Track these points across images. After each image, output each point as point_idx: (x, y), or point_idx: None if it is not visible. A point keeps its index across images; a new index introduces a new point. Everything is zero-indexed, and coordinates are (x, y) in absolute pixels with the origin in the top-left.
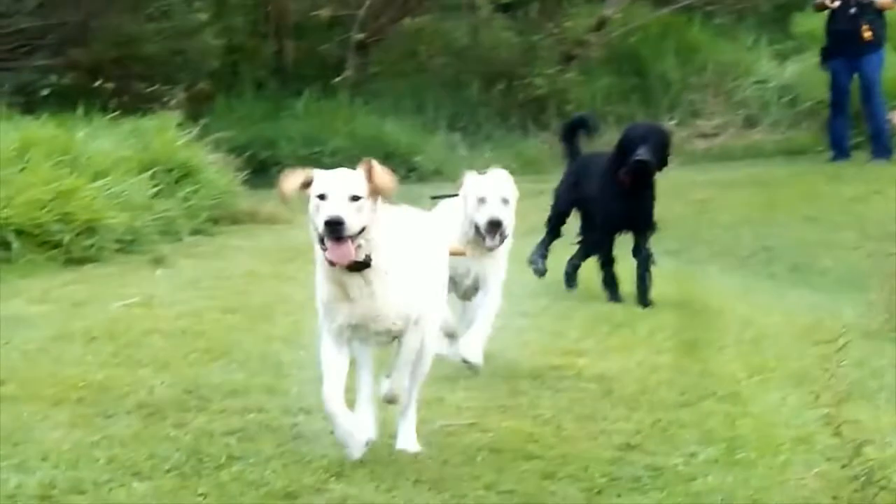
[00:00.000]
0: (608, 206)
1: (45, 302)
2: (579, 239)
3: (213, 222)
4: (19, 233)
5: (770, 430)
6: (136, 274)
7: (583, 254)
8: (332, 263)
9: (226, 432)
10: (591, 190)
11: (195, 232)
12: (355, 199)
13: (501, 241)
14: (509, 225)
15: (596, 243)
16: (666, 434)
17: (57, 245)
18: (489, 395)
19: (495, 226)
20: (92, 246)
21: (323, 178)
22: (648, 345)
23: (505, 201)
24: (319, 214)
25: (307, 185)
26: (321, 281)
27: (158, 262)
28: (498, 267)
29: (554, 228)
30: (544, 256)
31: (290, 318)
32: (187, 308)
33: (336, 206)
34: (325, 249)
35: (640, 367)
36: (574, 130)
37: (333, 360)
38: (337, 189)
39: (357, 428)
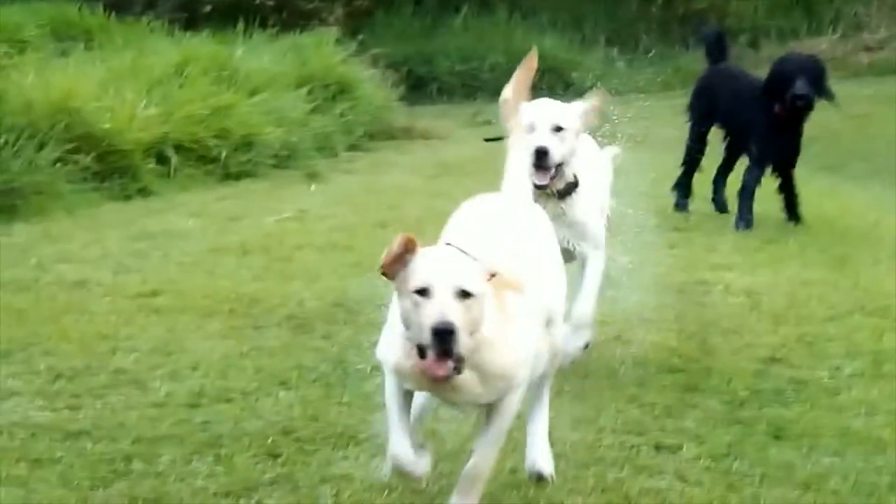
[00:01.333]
0: (764, 140)
1: (202, 216)
2: (724, 159)
3: (369, 138)
4: (177, 148)
5: None
6: (291, 189)
7: (726, 172)
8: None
9: (372, 344)
10: (737, 113)
11: (350, 147)
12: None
13: (565, 186)
14: (570, 162)
15: (750, 178)
16: (812, 348)
17: (214, 160)
18: (635, 309)
19: (542, 155)
20: (248, 161)
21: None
22: (799, 259)
23: (558, 129)
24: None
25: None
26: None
27: (313, 177)
28: (589, 227)
29: (693, 159)
30: (687, 196)
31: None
32: (339, 222)
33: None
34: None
35: (790, 282)
36: (715, 42)
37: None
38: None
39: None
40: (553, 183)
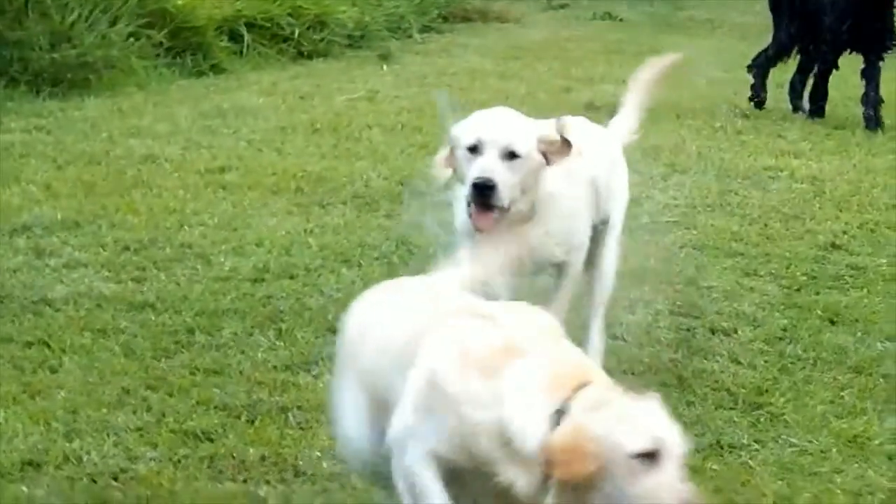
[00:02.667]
0: (837, 20)
1: (273, 94)
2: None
3: (443, 20)
4: (250, 25)
5: None
6: (363, 69)
7: (805, 69)
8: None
9: (436, 224)
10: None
11: (424, 29)
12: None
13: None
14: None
15: (821, 58)
16: (873, 235)
17: (287, 39)
18: (699, 194)
19: (485, 189)
20: (321, 40)
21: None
22: (867, 147)
23: (511, 155)
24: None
25: None
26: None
27: (385, 57)
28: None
29: (780, 50)
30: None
31: None
32: (409, 104)
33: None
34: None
35: (855, 169)
36: None
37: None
38: None
39: None
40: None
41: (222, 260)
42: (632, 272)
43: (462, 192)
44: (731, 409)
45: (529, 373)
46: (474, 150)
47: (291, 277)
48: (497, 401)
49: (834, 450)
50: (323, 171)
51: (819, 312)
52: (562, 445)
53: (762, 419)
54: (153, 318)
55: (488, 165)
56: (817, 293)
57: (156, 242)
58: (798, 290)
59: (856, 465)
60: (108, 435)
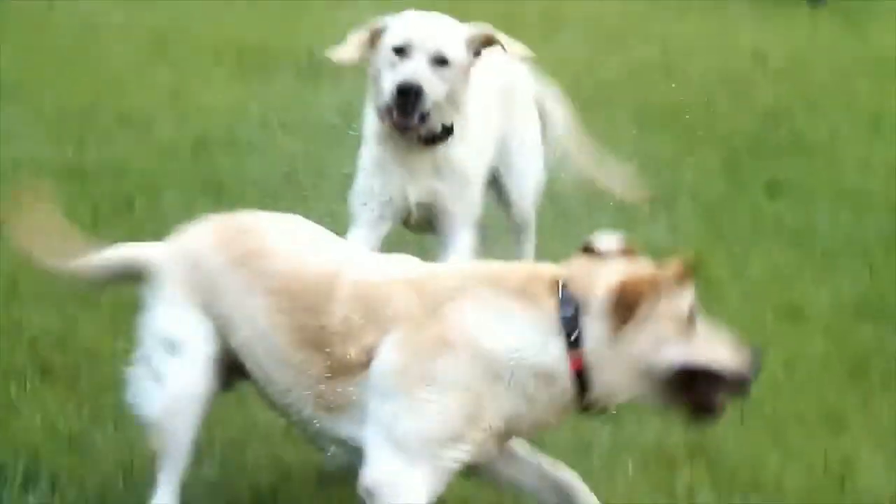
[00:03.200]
0: None
1: None
2: None
3: None
4: None
5: None
6: None
7: None
8: None
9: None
10: None
11: None
12: None
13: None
14: (449, 108)
15: None
16: (814, 106)
17: None
18: (641, 64)
19: (409, 94)
20: None
21: None
22: (810, 21)
23: (441, 61)
24: None
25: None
26: None
27: None
28: (465, 192)
29: None
30: None
31: None
32: None
33: None
34: None
35: (798, 42)
36: None
37: None
38: None
39: None
40: (416, 128)
41: (163, 128)
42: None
43: (378, 96)
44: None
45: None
46: (401, 52)
47: (232, 146)
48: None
49: (770, 318)
50: (266, 40)
51: (759, 183)
52: (635, 289)
53: (699, 288)
54: (94, 185)
55: (417, 70)
56: (757, 163)
57: (96, 109)
58: (738, 160)
59: (792, 332)
60: (48, 301)
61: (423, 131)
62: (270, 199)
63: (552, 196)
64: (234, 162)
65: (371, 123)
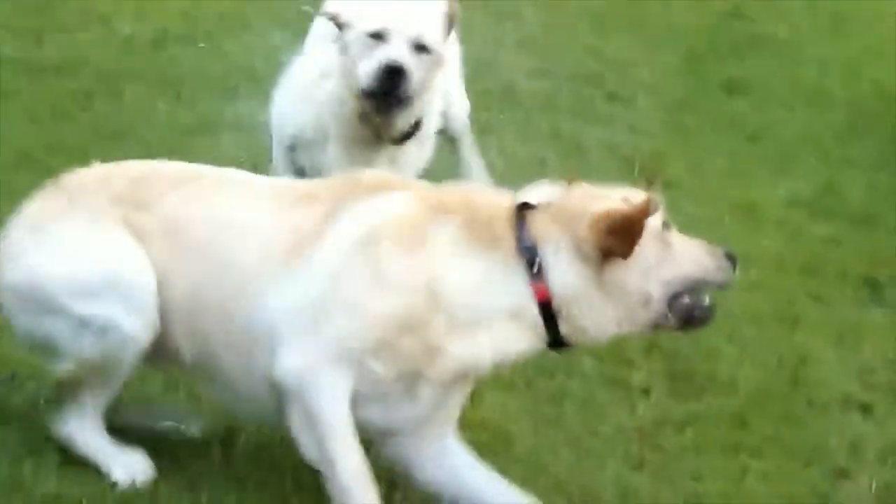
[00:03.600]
0: None
1: None
2: None
3: None
4: None
5: None
6: None
7: None
8: None
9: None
10: None
11: None
12: None
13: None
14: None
15: None
16: (772, 4)
17: None
18: None
19: (396, 74)
20: None
21: None
22: None
23: (420, 47)
24: None
25: None
26: None
27: None
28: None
29: None
30: None
31: None
32: None
33: None
34: None
35: None
36: None
37: None
38: None
39: None
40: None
41: (122, 23)
42: (530, 39)
43: (353, 83)
44: (628, 176)
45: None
46: (378, 37)
47: (192, 42)
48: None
49: (726, 217)
50: None
51: (717, 81)
52: (623, 219)
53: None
54: (53, 81)
55: (400, 53)
56: (717, 62)
57: (53, 4)
58: (697, 59)
59: (746, 231)
60: (8, 197)
61: (400, 120)
62: (230, 96)
63: (514, 100)
64: (194, 57)
65: (337, 125)
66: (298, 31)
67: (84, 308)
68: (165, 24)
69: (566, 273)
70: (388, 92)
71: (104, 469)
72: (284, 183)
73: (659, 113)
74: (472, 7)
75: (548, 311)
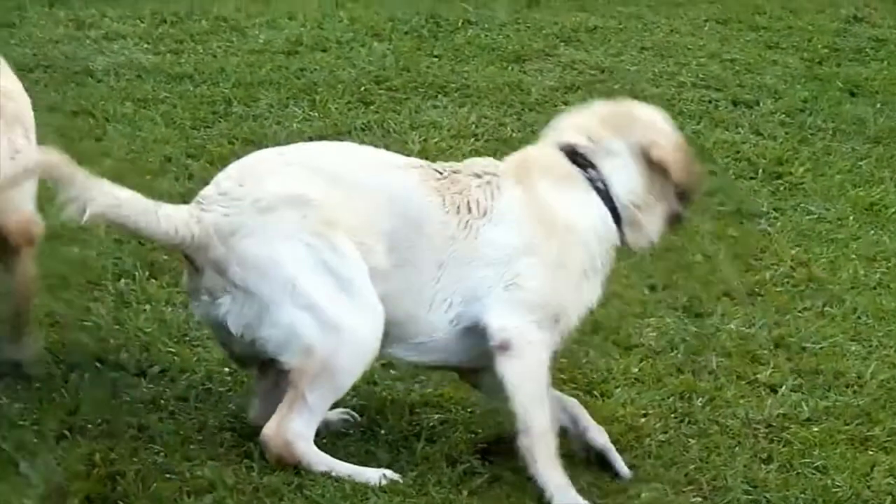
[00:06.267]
0: None
1: None
2: None
3: None
4: None
5: None
6: None
7: None
8: None
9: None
10: None
11: None
12: None
13: None
14: None
15: None
16: (895, 7)
17: None
18: None
19: None
20: None
21: None
22: None
23: None
24: None
25: None
26: None
27: None
28: None
29: None
30: None
31: None
32: None
33: None
34: None
35: None
36: None
37: None
38: None
39: None
40: None
41: (257, 33)
42: (654, 45)
43: None
44: (751, 178)
45: None
46: None
47: (324, 50)
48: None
49: (850, 217)
50: None
51: (839, 84)
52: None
53: (782, 188)
54: (192, 88)
55: None
56: (838, 65)
57: (192, 15)
58: (819, 62)
59: (871, 231)
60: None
61: None
62: (362, 103)
63: None
64: (326, 65)
65: None
66: (425, 38)
67: (328, 303)
68: (298, 33)
69: (630, 180)
70: None
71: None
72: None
73: (781, 116)
74: (596, 13)
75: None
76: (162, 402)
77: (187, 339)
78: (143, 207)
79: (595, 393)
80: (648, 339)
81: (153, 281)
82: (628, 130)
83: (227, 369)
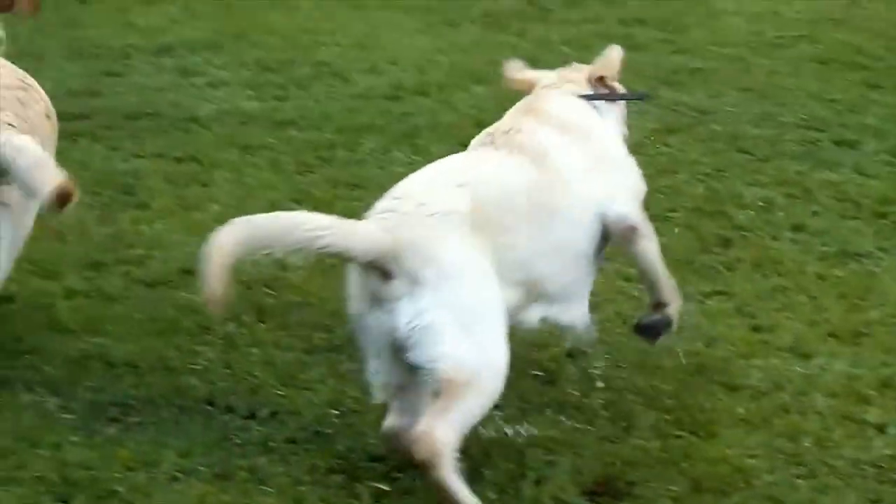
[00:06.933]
0: None
1: None
2: None
3: None
4: None
5: None
6: None
7: None
8: None
9: (563, 41)
10: None
11: None
12: None
13: None
14: None
15: None
16: None
17: None
18: (824, 8)
19: None
20: None
21: None
22: None
23: None
24: None
25: None
26: None
27: None
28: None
29: None
30: None
31: None
32: None
33: None
34: None
35: None
36: None
37: None
38: None
39: None
40: None
41: (358, 78)
42: (755, 86)
43: None
44: (855, 218)
45: None
46: None
47: (425, 95)
48: None
49: None
50: None
51: None
52: None
53: (886, 228)
54: (295, 134)
55: None
56: None
57: (294, 61)
58: None
59: None
60: None
61: None
62: (462, 145)
63: (739, 145)
64: (427, 109)
65: None
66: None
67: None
68: (398, 78)
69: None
70: None
71: None
72: None
73: (885, 155)
74: (696, 55)
75: None
76: (272, 444)
77: (296, 381)
78: (346, 230)
79: (701, 434)
80: (754, 380)
81: (261, 324)
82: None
83: (335, 412)
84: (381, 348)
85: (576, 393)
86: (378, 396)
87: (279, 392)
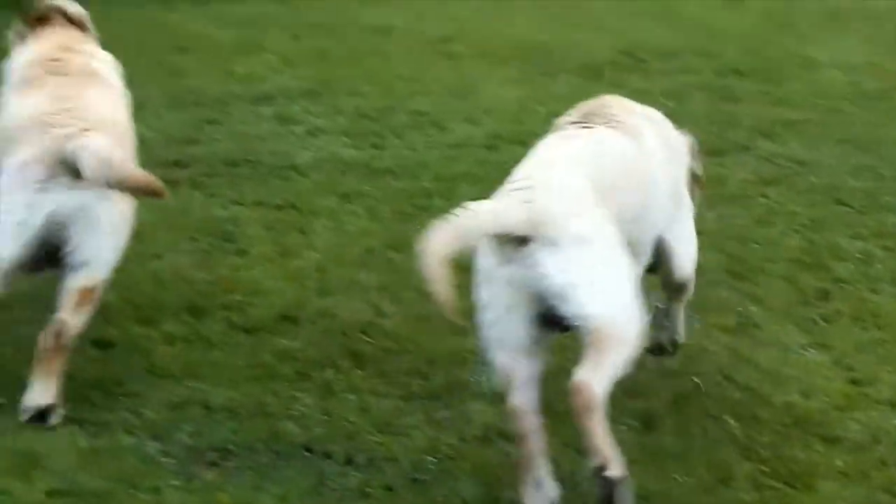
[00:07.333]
0: None
1: None
2: None
3: None
4: None
5: None
6: None
7: None
8: None
9: (660, 92)
10: None
11: None
12: None
13: None
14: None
15: None
16: None
17: None
18: None
19: None
20: None
21: None
22: None
23: None
24: None
25: None
26: None
27: None
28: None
29: None
30: None
31: None
32: None
33: None
34: None
35: None
36: None
37: None
38: None
39: None
40: None
41: (454, 127)
42: (854, 137)
43: None
44: None
45: None
46: None
47: (523, 144)
48: None
49: None
50: (546, 40)
51: None
52: None
53: None
54: (393, 182)
55: None
56: None
57: (391, 110)
58: None
59: None
60: (356, 292)
61: None
62: None
63: (838, 197)
64: (524, 159)
65: None
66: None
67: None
68: (495, 127)
69: None
70: None
71: None
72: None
73: None
74: (794, 106)
75: None
76: (368, 490)
77: (392, 428)
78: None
79: (798, 486)
80: (852, 432)
81: (358, 371)
82: None
83: (432, 459)
84: (516, 302)
85: (673, 442)
86: (493, 381)
87: (376, 438)
